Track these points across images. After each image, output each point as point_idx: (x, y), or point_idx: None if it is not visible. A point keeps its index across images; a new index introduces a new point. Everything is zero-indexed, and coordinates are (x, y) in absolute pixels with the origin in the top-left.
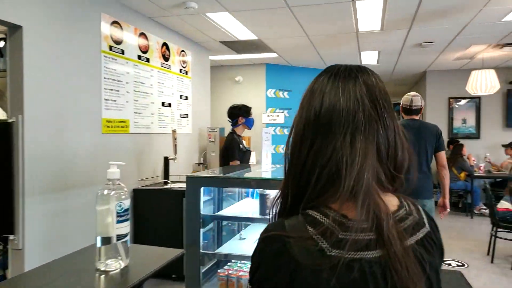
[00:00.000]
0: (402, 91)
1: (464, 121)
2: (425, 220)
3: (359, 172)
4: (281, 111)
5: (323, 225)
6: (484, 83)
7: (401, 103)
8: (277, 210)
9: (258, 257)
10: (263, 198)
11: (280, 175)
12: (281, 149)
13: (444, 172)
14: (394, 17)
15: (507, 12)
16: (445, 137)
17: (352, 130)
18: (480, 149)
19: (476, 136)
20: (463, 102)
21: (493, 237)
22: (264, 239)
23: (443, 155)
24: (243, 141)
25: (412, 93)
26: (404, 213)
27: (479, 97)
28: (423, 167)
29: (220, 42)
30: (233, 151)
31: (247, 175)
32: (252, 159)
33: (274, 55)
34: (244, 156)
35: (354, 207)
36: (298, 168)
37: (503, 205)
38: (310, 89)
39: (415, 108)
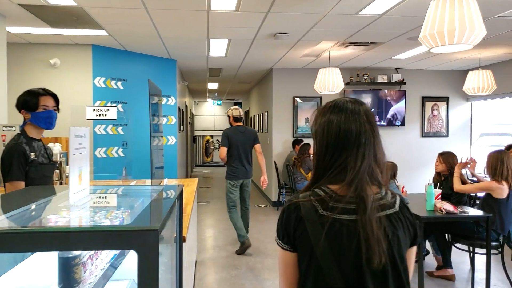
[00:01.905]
0: (244, 90)
1: (307, 120)
2: (397, 205)
3: (358, 170)
4: (113, 104)
5: (320, 196)
6: (331, 81)
7: (232, 115)
8: (304, 186)
9: (282, 213)
10: (66, 265)
11: (109, 221)
12: (115, 152)
13: (260, 157)
14: None
15: (366, 3)
16: (289, 136)
17: (357, 145)
18: None
19: None
20: (305, 101)
21: None
22: (288, 204)
23: (259, 146)
24: (54, 146)
25: (235, 107)
26: (379, 196)
27: (320, 97)
28: (249, 157)
29: (20, 4)
30: (9, 166)
31: (31, 222)
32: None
33: (103, 33)
34: (42, 170)
35: (347, 190)
36: (322, 166)
37: None
38: (328, 118)
39: (241, 117)
